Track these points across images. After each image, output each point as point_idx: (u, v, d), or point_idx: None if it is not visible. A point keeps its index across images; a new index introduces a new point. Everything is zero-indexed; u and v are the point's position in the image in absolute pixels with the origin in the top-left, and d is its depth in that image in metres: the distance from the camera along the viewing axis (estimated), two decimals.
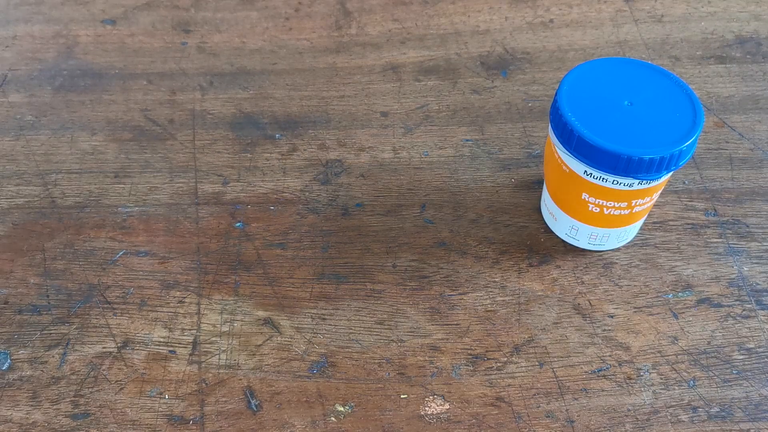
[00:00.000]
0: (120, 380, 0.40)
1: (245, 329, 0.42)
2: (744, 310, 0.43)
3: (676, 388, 0.40)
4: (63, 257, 0.45)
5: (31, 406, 0.39)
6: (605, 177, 0.40)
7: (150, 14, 0.59)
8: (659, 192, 0.43)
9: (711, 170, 0.50)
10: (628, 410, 0.39)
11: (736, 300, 0.43)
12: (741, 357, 0.41)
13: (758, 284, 0.44)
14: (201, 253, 0.45)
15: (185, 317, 0.43)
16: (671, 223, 0.47)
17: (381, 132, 0.52)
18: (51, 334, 0.42)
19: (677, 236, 0.46)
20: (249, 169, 0.50)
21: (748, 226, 0.47)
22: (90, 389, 0.40)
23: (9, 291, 0.44)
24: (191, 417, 0.39)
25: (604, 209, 0.42)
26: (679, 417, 0.39)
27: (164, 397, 0.40)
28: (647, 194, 0.41)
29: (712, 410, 0.39)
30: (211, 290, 0.44)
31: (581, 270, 0.45)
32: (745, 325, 0.42)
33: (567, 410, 0.39)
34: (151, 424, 0.39)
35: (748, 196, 0.48)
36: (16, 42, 0.57)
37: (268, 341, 0.42)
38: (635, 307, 0.43)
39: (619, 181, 0.40)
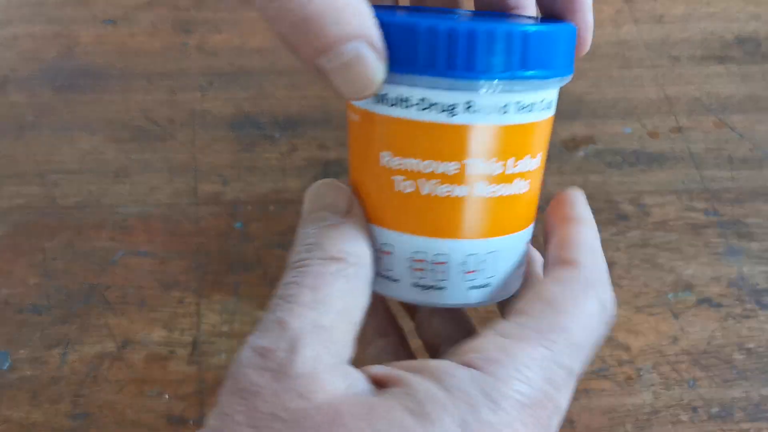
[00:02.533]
0: (120, 380, 0.40)
1: (245, 329, 0.42)
2: (744, 310, 0.43)
3: (676, 388, 0.40)
4: (63, 257, 0.45)
5: (31, 406, 0.39)
6: (403, 93, 0.24)
7: (150, 14, 0.59)
8: (538, 161, 0.26)
9: (711, 170, 0.50)
10: (629, 410, 0.39)
11: (736, 300, 0.43)
12: (741, 357, 0.41)
13: (758, 284, 0.44)
14: (201, 253, 0.45)
15: (185, 317, 0.43)
16: (671, 223, 0.47)
17: None
18: (51, 334, 0.42)
19: (677, 236, 0.46)
20: (249, 169, 0.50)
21: (748, 226, 0.47)
22: (90, 389, 0.40)
23: (9, 291, 0.44)
24: (191, 417, 0.39)
25: (423, 185, 0.24)
26: (679, 417, 0.39)
27: (164, 397, 0.40)
28: (496, 144, 0.24)
29: (712, 410, 0.39)
30: (210, 290, 0.44)
31: None
32: (745, 325, 0.42)
33: (567, 410, 0.39)
34: (151, 424, 0.39)
35: (748, 196, 0.48)
36: (17, 42, 0.57)
37: None
38: (635, 307, 0.43)
39: (433, 99, 0.23)
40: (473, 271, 0.26)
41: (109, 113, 0.53)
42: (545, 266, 0.27)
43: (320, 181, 0.26)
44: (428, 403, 0.21)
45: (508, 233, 0.26)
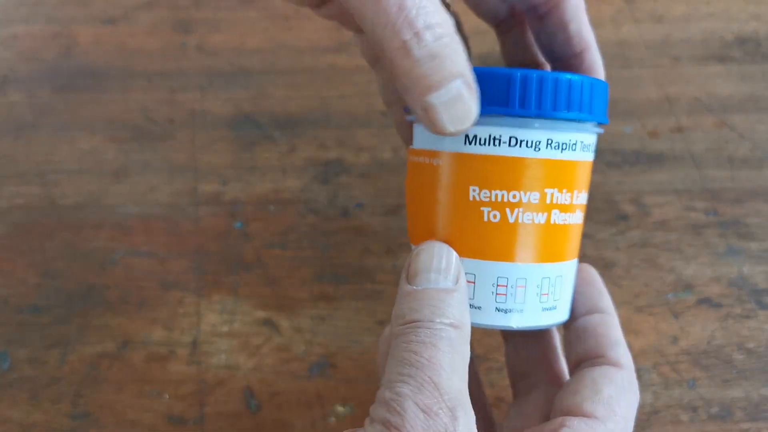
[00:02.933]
0: (120, 380, 0.40)
1: (245, 329, 0.42)
2: (744, 310, 0.43)
3: (676, 388, 0.40)
4: (63, 257, 0.45)
5: (31, 406, 0.39)
6: (493, 132, 0.27)
7: (150, 14, 0.59)
8: (582, 195, 0.30)
9: (711, 170, 0.50)
10: None
11: (736, 300, 0.43)
12: (741, 357, 0.41)
13: (758, 284, 0.44)
14: (200, 253, 0.45)
15: (185, 317, 0.43)
16: (671, 223, 0.47)
17: (381, 132, 0.52)
18: (51, 334, 0.42)
19: (677, 236, 0.46)
20: (248, 169, 0.50)
21: (748, 226, 0.47)
22: (90, 389, 0.40)
23: (9, 291, 0.44)
24: (191, 417, 0.39)
25: (509, 213, 0.28)
26: (679, 417, 0.39)
27: (164, 397, 0.40)
28: (566, 177, 0.28)
29: (712, 410, 0.39)
30: (210, 290, 0.44)
31: None
32: (745, 325, 0.42)
33: None
34: (151, 424, 0.39)
35: (748, 196, 0.48)
36: (16, 42, 0.57)
37: (268, 342, 0.42)
38: (635, 307, 0.43)
39: (521, 137, 0.27)
40: (546, 294, 0.29)
41: (108, 113, 0.53)
42: (574, 349, 0.31)
43: (431, 242, 0.28)
44: None
45: (571, 259, 0.30)
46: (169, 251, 0.46)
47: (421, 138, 0.29)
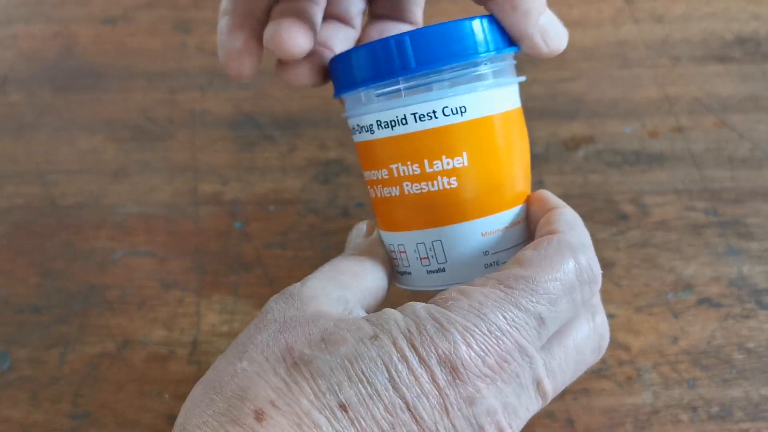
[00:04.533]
0: (120, 380, 0.40)
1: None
2: (744, 310, 0.43)
3: (676, 388, 0.40)
4: (63, 257, 0.45)
5: (31, 406, 0.39)
6: (350, 123, 0.32)
7: (150, 14, 0.59)
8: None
9: (711, 170, 0.50)
10: (628, 410, 0.39)
11: (736, 300, 0.43)
12: (741, 357, 0.41)
13: (758, 284, 0.44)
14: (201, 253, 0.45)
15: (185, 317, 0.43)
16: (671, 223, 0.47)
17: None
18: (51, 334, 0.42)
19: (677, 236, 0.46)
20: (248, 169, 0.50)
21: (748, 226, 0.47)
22: (90, 389, 0.40)
23: (9, 291, 0.44)
24: None
25: (375, 188, 0.31)
26: (679, 417, 0.39)
27: (164, 397, 0.40)
28: (407, 150, 0.30)
29: (712, 410, 0.39)
30: (210, 290, 0.44)
31: None
32: (745, 325, 0.42)
33: (567, 410, 0.39)
34: (151, 424, 0.39)
35: (748, 196, 0.48)
36: (16, 42, 0.57)
37: None
38: (635, 307, 0.43)
39: (359, 124, 0.30)
40: (426, 258, 0.31)
41: (108, 113, 0.53)
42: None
43: (358, 223, 0.35)
44: (384, 316, 0.26)
45: (447, 224, 0.30)
46: (169, 251, 0.46)
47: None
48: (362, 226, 0.34)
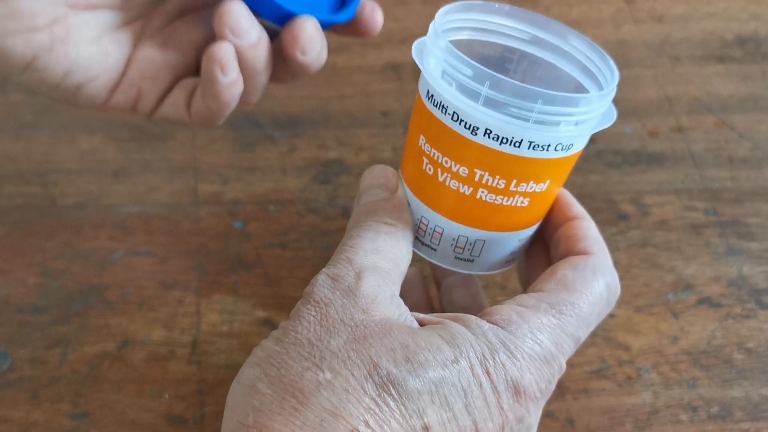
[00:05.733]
0: (120, 380, 0.40)
1: (245, 329, 0.42)
2: (744, 310, 0.43)
3: (676, 388, 0.40)
4: (63, 257, 0.45)
5: (31, 406, 0.39)
6: (443, 101, 0.29)
7: None
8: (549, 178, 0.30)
9: (711, 170, 0.50)
10: (628, 410, 0.39)
11: (736, 300, 0.43)
12: (741, 357, 0.41)
13: (758, 284, 0.44)
14: (200, 253, 0.45)
15: (185, 317, 0.43)
16: (671, 223, 0.47)
17: (381, 132, 0.52)
18: (51, 334, 0.42)
19: (677, 236, 0.46)
20: (248, 169, 0.50)
21: (748, 226, 0.47)
22: (90, 389, 0.40)
23: (9, 291, 0.44)
24: (191, 417, 0.39)
25: (440, 173, 0.30)
26: (679, 417, 0.39)
27: (164, 397, 0.40)
28: (501, 165, 0.29)
29: (712, 410, 0.39)
30: (210, 290, 0.44)
31: None
32: (745, 325, 0.42)
33: (567, 410, 0.39)
34: (151, 424, 0.39)
35: (748, 196, 0.48)
36: None
37: None
38: (635, 307, 0.43)
39: (459, 115, 0.28)
40: (461, 248, 0.32)
41: (108, 113, 0.53)
42: (555, 257, 0.32)
43: (375, 165, 0.33)
44: (459, 337, 0.27)
45: (502, 231, 0.31)
46: (169, 251, 0.46)
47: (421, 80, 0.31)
48: (378, 175, 0.33)
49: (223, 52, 0.32)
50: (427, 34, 0.29)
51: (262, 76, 0.34)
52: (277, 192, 0.48)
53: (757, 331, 0.42)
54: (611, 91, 0.29)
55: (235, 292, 0.44)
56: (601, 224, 0.47)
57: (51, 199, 0.48)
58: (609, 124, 0.30)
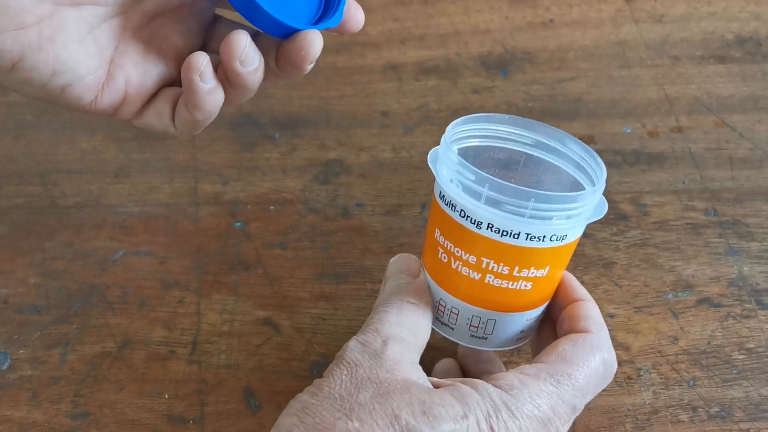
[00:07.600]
0: (120, 380, 0.40)
1: (245, 329, 0.42)
2: (744, 310, 0.43)
3: (676, 388, 0.40)
4: (63, 257, 0.45)
5: (31, 405, 0.39)
6: (453, 200, 0.33)
7: None
8: (545, 269, 0.34)
9: (711, 170, 0.50)
10: (628, 410, 0.39)
11: (736, 300, 0.43)
12: (741, 357, 0.41)
13: (758, 284, 0.44)
14: (201, 253, 0.45)
15: (185, 317, 0.43)
16: (671, 223, 0.47)
17: (381, 132, 0.52)
18: (51, 334, 0.42)
19: (677, 236, 0.46)
20: (249, 169, 0.50)
21: (748, 226, 0.47)
22: (90, 389, 0.40)
23: (9, 291, 0.44)
24: (191, 417, 0.39)
25: (453, 261, 0.34)
26: (679, 417, 0.39)
27: (164, 397, 0.40)
28: (505, 254, 0.33)
29: (712, 410, 0.39)
30: (210, 290, 0.44)
31: (581, 270, 0.45)
32: (745, 325, 0.42)
33: None
34: (151, 424, 0.39)
35: (748, 196, 0.48)
36: None
37: (268, 341, 0.42)
38: (635, 307, 0.43)
39: (466, 212, 0.33)
40: (475, 326, 0.36)
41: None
42: (560, 334, 0.35)
43: (400, 254, 0.38)
44: (468, 397, 0.31)
45: (510, 311, 0.35)
46: (169, 251, 0.46)
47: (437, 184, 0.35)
48: (402, 262, 0.37)
49: (200, 61, 0.33)
50: (440, 143, 0.34)
51: (254, 91, 0.36)
52: (277, 192, 0.48)
53: (757, 331, 0.42)
54: (599, 187, 0.33)
55: (235, 292, 0.44)
56: (601, 224, 0.47)
57: (51, 199, 0.48)
58: (600, 216, 0.33)
